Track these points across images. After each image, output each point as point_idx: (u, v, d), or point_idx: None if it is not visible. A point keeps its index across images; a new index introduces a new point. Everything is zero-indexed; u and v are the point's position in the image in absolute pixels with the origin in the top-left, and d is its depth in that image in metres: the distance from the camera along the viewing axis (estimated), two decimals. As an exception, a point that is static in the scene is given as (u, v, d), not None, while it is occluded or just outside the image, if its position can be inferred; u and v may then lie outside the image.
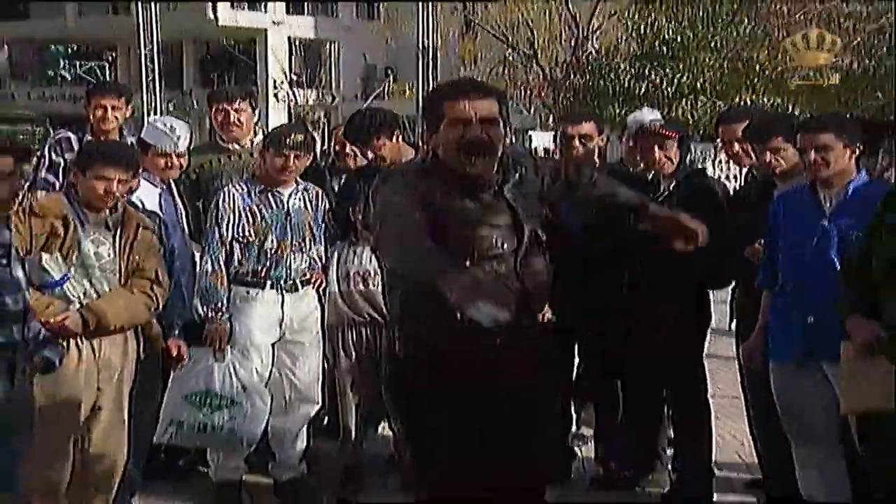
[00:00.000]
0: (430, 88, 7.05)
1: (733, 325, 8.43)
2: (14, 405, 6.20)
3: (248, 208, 8.52)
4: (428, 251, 5.81)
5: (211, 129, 10.05)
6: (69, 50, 70.98)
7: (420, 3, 47.49)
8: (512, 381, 6.03)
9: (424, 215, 5.82)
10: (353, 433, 8.97)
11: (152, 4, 46.37)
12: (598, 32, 49.00)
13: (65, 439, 7.11)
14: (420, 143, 9.31)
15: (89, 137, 9.02)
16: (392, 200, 5.78)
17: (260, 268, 8.48)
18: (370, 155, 9.40)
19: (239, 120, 9.57)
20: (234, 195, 8.57)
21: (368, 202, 6.43)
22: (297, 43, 72.18)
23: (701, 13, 42.31)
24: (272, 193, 8.62)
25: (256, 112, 9.99)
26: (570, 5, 49.60)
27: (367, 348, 8.80)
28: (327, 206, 8.89)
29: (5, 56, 79.01)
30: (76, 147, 8.87)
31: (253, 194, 8.59)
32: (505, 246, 5.88)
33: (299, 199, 8.71)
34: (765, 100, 37.04)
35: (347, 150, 10.08)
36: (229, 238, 8.50)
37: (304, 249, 8.67)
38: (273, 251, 8.56)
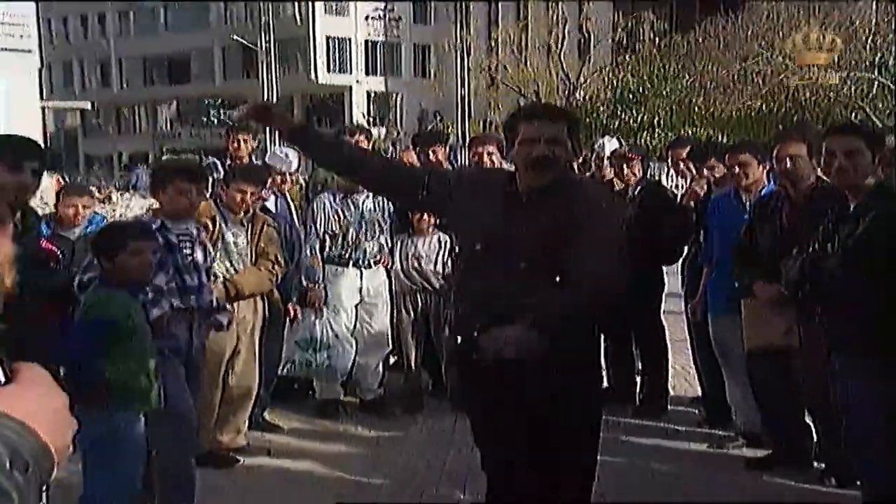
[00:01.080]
0: (510, 112, 6.29)
1: (682, 290, 8.51)
2: (196, 354, 6.28)
3: (334, 211, 8.58)
4: None
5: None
6: (217, 102, 71.13)
7: (458, 66, 47.67)
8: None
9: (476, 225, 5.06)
10: (413, 367, 9.04)
11: (273, 70, 46.41)
12: (584, 84, 48.76)
13: (217, 373, 7.23)
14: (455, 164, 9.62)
15: (228, 163, 9.06)
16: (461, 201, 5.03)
17: (344, 252, 8.54)
18: (427, 159, 9.60)
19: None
20: (324, 201, 8.64)
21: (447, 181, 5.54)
22: (372, 95, 72.48)
23: (655, 71, 42.10)
24: (351, 199, 8.65)
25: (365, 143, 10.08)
26: (563, 66, 49.43)
27: (421, 309, 8.95)
28: (391, 207, 8.89)
29: (175, 107, 79.54)
30: (220, 169, 8.91)
31: (337, 200, 8.64)
32: (534, 262, 4.81)
33: (371, 202, 8.73)
34: (701, 131, 36.81)
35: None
36: (322, 232, 8.59)
37: (375, 239, 8.71)
38: (353, 240, 8.60)
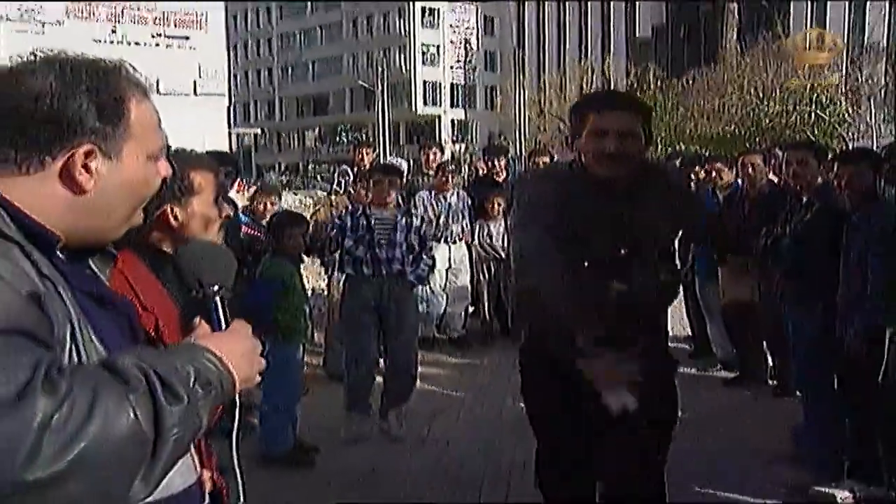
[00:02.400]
0: (577, 100, 4.29)
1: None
2: (385, 310, 6.19)
3: (429, 203, 8.57)
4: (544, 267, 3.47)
5: (411, 164, 10.08)
6: (346, 127, 71.51)
7: (516, 101, 47.54)
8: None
9: (553, 216, 3.44)
10: (487, 315, 8.94)
11: (386, 105, 46.59)
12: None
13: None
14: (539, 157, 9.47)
15: (355, 169, 9.03)
16: (530, 200, 3.50)
17: (437, 232, 8.46)
18: (493, 165, 9.54)
19: (430, 159, 9.55)
20: (422, 197, 8.62)
21: (514, 189, 4.55)
22: (455, 122, 72.38)
23: (657, 104, 41.57)
24: (441, 195, 8.63)
25: (440, 155, 10.01)
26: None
27: (493, 273, 8.84)
28: (469, 200, 8.86)
29: (317, 132, 79.96)
30: (350, 174, 8.89)
31: (431, 197, 8.64)
32: (623, 252, 3.41)
33: (454, 198, 8.71)
34: (690, 148, 36.28)
35: (480, 172, 9.98)
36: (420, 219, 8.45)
37: (458, 223, 8.69)
38: (443, 224, 8.55)
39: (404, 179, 9.36)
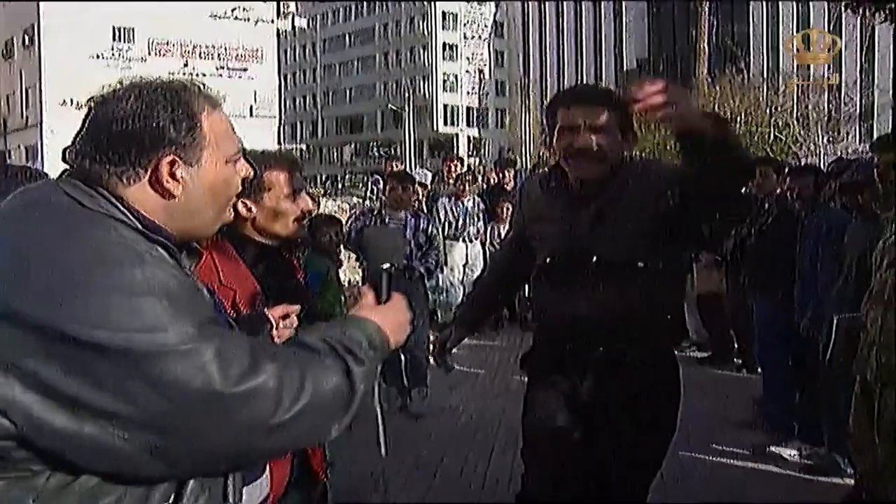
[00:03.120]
0: (551, 98, 3.10)
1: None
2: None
3: (449, 209, 8.57)
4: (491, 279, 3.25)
5: (435, 175, 10.11)
6: (378, 143, 71.52)
7: (522, 121, 47.35)
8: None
9: (519, 222, 3.01)
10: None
11: (411, 124, 46.58)
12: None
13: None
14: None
15: (383, 177, 9.04)
16: (513, 208, 2.93)
17: (455, 232, 8.49)
18: (502, 176, 9.47)
19: (450, 170, 9.56)
20: (443, 202, 8.61)
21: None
22: (471, 138, 72.25)
23: (640, 127, 41.43)
24: (459, 200, 8.62)
25: (459, 167, 10.00)
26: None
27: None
28: (483, 206, 8.84)
29: (353, 146, 79.89)
30: (381, 184, 8.89)
31: (451, 202, 8.63)
32: (602, 261, 2.60)
33: (471, 203, 8.70)
34: (671, 160, 36.05)
35: (492, 181, 9.99)
36: (442, 221, 8.40)
37: (474, 224, 8.68)
38: (461, 226, 8.53)
39: (428, 188, 9.39)
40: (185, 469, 1.27)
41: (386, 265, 1.68)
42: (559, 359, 2.71)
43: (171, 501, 1.29)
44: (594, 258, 2.59)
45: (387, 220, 6.16)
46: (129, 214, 1.33)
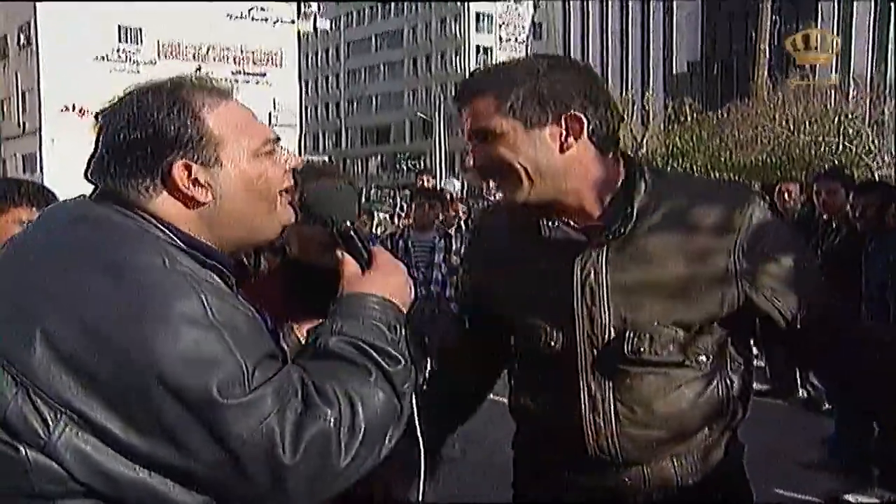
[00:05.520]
0: None
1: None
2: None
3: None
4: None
5: (469, 187, 10.14)
6: (406, 155, 71.85)
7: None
8: None
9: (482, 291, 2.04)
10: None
11: (442, 134, 46.74)
12: (646, 142, 48.02)
13: None
14: None
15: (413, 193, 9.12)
16: None
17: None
18: None
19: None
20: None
21: None
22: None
23: (694, 135, 41.30)
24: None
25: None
26: (631, 131, 48.80)
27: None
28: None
29: (380, 159, 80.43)
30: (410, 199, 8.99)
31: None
32: (559, 336, 1.82)
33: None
34: (726, 176, 35.81)
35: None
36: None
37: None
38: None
39: (459, 200, 9.41)
40: None
41: (347, 222, 1.60)
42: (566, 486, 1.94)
43: None
44: (603, 342, 1.81)
45: (409, 243, 6.07)
46: (168, 231, 1.33)
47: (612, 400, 1.81)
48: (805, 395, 6.94)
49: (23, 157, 39.78)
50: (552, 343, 1.86)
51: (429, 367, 2.18)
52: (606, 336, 1.79)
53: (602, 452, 1.84)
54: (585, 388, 1.82)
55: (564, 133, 1.73)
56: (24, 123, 40.40)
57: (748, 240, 1.74)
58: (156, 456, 1.19)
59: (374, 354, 1.36)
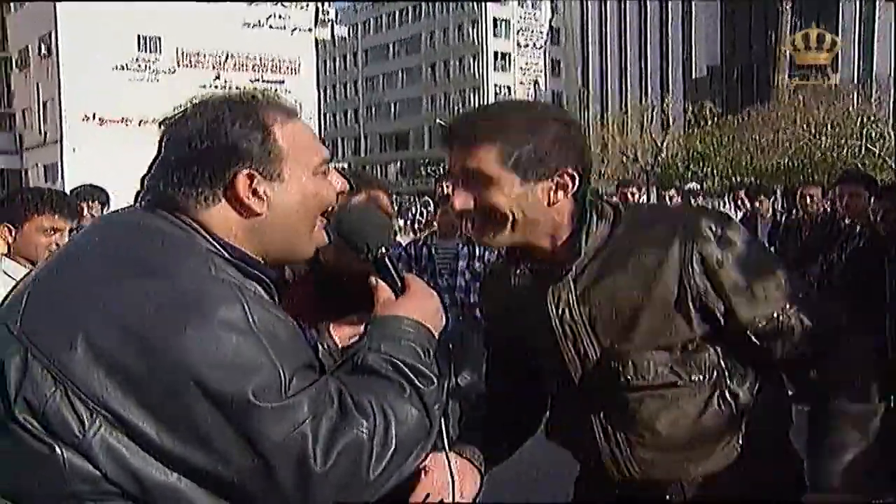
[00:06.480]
0: None
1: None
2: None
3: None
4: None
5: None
6: (425, 161, 71.77)
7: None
8: None
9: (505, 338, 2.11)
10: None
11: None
12: (666, 146, 47.80)
13: None
14: None
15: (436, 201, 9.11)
16: None
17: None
18: None
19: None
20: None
21: None
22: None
23: (714, 139, 41.09)
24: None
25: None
26: (651, 136, 48.63)
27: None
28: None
29: (398, 165, 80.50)
30: (431, 206, 8.96)
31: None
32: (559, 374, 1.91)
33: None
34: (746, 179, 35.74)
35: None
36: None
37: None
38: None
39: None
40: None
41: (383, 248, 1.62)
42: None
43: None
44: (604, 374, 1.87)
45: (433, 250, 6.02)
46: (216, 244, 1.38)
47: (618, 428, 1.87)
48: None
49: (44, 166, 39.92)
50: (557, 382, 1.96)
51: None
52: (596, 368, 1.86)
53: (626, 477, 1.89)
54: (596, 420, 1.89)
55: (555, 188, 1.81)
56: (45, 133, 40.46)
57: (697, 259, 1.77)
58: (187, 458, 1.22)
59: (409, 373, 1.40)
